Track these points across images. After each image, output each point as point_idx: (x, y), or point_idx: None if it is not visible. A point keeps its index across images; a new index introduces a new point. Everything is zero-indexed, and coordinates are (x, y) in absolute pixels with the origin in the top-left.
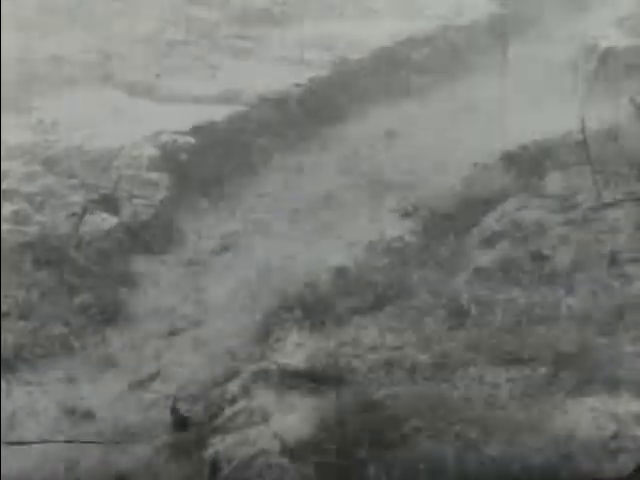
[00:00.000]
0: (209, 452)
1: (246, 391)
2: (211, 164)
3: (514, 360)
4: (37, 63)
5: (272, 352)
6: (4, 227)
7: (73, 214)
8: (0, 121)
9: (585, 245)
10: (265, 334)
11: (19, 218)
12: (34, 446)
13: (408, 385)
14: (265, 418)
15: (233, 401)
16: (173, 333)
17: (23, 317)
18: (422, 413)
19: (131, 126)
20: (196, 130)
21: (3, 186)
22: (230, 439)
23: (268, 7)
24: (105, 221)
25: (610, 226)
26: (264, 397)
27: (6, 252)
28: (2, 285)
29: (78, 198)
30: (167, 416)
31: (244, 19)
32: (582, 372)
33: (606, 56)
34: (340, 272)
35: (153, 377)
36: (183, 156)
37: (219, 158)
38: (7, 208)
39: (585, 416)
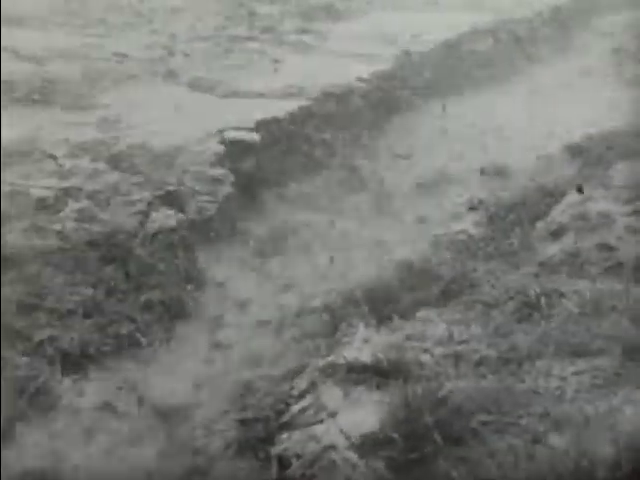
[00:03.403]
0: (277, 448)
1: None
2: (274, 159)
3: (582, 352)
4: (101, 61)
5: (339, 346)
6: (69, 225)
7: (138, 211)
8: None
9: None
10: (333, 328)
11: (84, 216)
12: None
13: (475, 379)
14: (332, 413)
15: (300, 397)
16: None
17: (88, 315)
18: (489, 407)
19: (194, 122)
20: (259, 125)
21: (68, 184)
22: (297, 435)
23: (331, 1)
24: (170, 217)
25: None
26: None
27: (72, 250)
28: (69, 283)
29: (143, 195)
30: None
31: (307, 14)
32: None
33: None
34: (405, 266)
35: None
36: (246, 152)
37: (282, 153)
38: (72, 206)
39: None
